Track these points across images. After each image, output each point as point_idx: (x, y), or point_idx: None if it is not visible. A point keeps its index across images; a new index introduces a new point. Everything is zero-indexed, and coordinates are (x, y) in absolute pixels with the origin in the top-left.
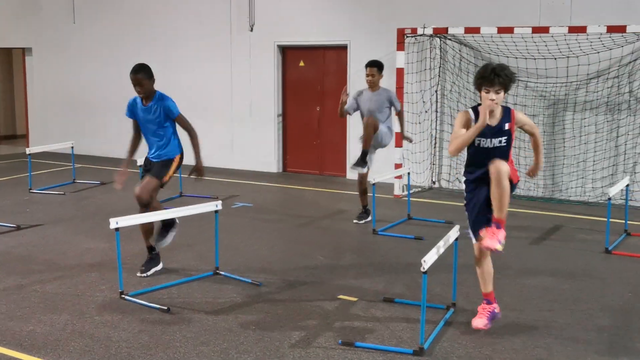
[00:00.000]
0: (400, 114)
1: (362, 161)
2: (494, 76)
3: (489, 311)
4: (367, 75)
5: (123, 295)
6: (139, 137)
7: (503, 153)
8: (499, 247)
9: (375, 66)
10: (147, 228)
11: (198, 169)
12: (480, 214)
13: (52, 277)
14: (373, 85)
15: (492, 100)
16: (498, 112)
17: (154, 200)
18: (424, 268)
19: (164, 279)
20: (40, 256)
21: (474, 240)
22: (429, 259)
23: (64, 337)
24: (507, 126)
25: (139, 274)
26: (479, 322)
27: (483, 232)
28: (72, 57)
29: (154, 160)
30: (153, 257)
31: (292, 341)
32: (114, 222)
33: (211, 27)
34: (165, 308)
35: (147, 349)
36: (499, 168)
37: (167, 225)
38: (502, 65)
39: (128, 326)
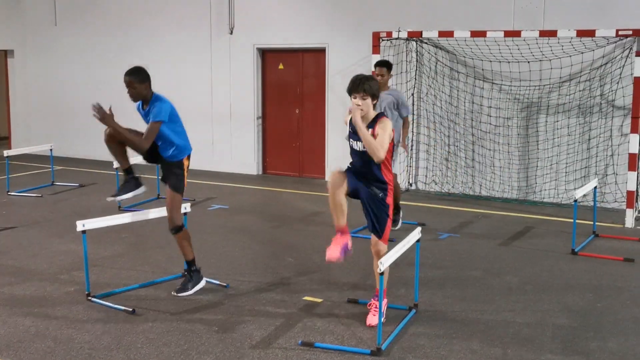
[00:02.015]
0: (406, 120)
1: None
2: (358, 83)
3: (344, 242)
4: (377, 75)
5: (90, 297)
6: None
7: (370, 157)
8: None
9: (385, 66)
10: (116, 139)
11: (102, 111)
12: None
13: (21, 279)
14: (382, 85)
15: (358, 105)
16: (369, 117)
17: (180, 214)
18: (380, 270)
19: (132, 280)
20: (11, 259)
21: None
22: (385, 261)
23: (27, 338)
24: (370, 131)
25: (109, 198)
26: (333, 251)
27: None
28: (54, 59)
29: (166, 163)
30: (129, 181)
31: (253, 342)
32: (80, 225)
33: (191, 30)
34: (131, 309)
35: (108, 350)
36: (376, 246)
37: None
38: (367, 75)
39: (92, 328)
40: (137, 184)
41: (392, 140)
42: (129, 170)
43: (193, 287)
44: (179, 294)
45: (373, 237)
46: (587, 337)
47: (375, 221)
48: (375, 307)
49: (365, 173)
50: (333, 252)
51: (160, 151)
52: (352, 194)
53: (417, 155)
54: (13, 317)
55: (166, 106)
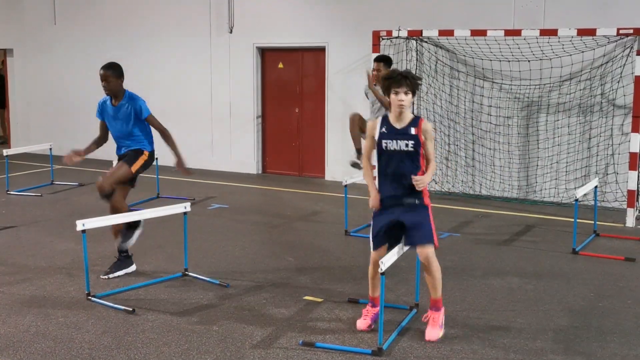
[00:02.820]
0: None
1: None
2: (401, 78)
3: (375, 313)
4: (374, 70)
5: (90, 297)
6: (104, 139)
7: (412, 159)
8: (441, 334)
9: (382, 61)
10: (118, 229)
11: (179, 164)
12: (380, 236)
13: (20, 279)
14: (378, 81)
15: (401, 100)
16: (407, 117)
17: (119, 196)
18: (381, 269)
19: (132, 280)
20: (10, 258)
21: (372, 249)
22: (387, 261)
23: (27, 338)
24: (413, 130)
25: (102, 276)
26: (363, 324)
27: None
28: (53, 58)
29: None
30: (121, 259)
31: (254, 342)
32: (80, 224)
33: (191, 29)
34: (131, 309)
35: (109, 350)
36: (426, 254)
37: (132, 225)
38: (409, 70)
39: (92, 327)
40: (129, 262)
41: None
42: (121, 250)
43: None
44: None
45: (422, 249)
46: (589, 337)
47: (422, 233)
48: (433, 319)
49: (400, 177)
50: (363, 324)
51: (128, 148)
52: (395, 239)
53: None
54: (13, 317)
55: (144, 102)
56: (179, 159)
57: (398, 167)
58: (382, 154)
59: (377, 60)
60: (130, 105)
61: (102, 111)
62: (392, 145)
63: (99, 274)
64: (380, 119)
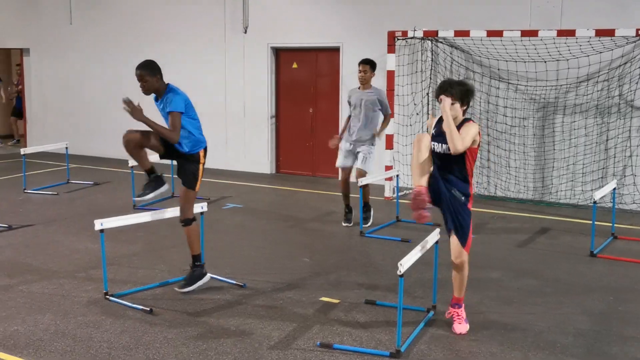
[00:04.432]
0: (386, 119)
1: None
2: (447, 86)
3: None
4: (360, 72)
5: (107, 296)
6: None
7: (453, 162)
8: (467, 327)
9: (368, 64)
10: (135, 144)
11: (132, 105)
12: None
13: (39, 278)
14: (364, 82)
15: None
16: (457, 120)
17: (192, 208)
18: (400, 271)
19: (149, 279)
20: (29, 256)
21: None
22: (405, 262)
23: (46, 337)
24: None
25: (136, 199)
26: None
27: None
28: (69, 57)
29: (182, 157)
30: (152, 180)
31: (271, 343)
32: (99, 224)
33: (206, 29)
34: (148, 309)
35: (127, 350)
36: (460, 257)
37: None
38: (458, 80)
39: (110, 327)
40: (160, 182)
41: (478, 145)
42: (151, 170)
43: (195, 282)
44: (182, 290)
45: (455, 246)
46: (610, 341)
47: (459, 225)
48: (458, 315)
49: (446, 178)
50: (419, 216)
51: (176, 145)
52: (434, 200)
53: None
54: (32, 315)
55: (180, 97)
56: (141, 114)
57: (444, 168)
58: (433, 155)
59: (362, 62)
60: (164, 101)
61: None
62: (438, 147)
63: (116, 273)
64: (436, 119)
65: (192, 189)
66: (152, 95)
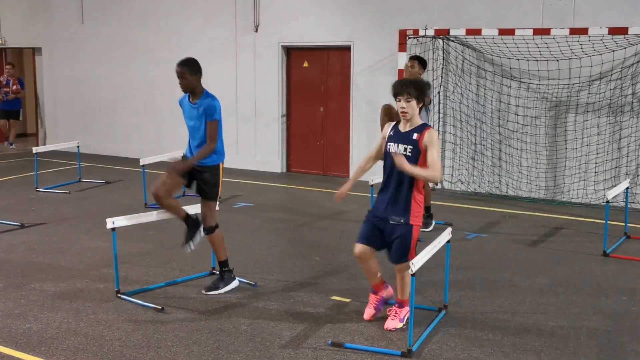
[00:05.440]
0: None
1: None
2: (399, 86)
3: (377, 300)
4: (408, 66)
5: (119, 295)
6: None
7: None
8: (400, 325)
9: (417, 59)
10: (170, 205)
11: (179, 163)
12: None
13: (51, 276)
14: (411, 77)
15: (403, 107)
16: (414, 123)
17: (214, 216)
18: (412, 271)
19: (160, 278)
20: (41, 255)
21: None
22: (417, 262)
23: (59, 335)
24: (415, 136)
25: (184, 249)
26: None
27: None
28: (81, 57)
29: (202, 168)
30: (191, 225)
31: (283, 342)
32: (110, 222)
33: (216, 28)
34: (160, 307)
35: (139, 348)
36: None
37: (195, 223)
38: (415, 79)
39: (122, 325)
40: (197, 225)
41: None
42: (186, 218)
43: (224, 287)
44: (209, 293)
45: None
46: (623, 341)
47: (401, 252)
48: (395, 313)
49: (396, 186)
50: (367, 314)
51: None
52: (379, 248)
53: (443, 154)
54: (45, 313)
55: (219, 105)
56: (186, 162)
57: (392, 172)
58: (386, 157)
59: (412, 58)
60: (203, 105)
61: (181, 106)
62: (393, 147)
63: (128, 271)
64: (393, 123)
65: (212, 201)
66: (183, 96)
